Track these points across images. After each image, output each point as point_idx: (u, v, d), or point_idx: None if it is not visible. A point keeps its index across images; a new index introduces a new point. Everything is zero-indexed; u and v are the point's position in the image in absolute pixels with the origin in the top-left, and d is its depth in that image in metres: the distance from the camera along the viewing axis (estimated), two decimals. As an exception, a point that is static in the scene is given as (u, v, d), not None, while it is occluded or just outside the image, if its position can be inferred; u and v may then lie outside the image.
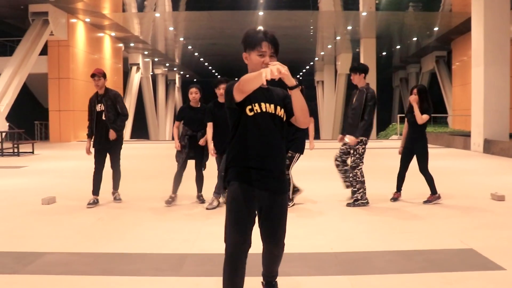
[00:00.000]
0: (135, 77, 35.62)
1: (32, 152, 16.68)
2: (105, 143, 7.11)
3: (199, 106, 7.20)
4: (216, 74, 54.22)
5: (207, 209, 6.86)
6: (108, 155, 7.25)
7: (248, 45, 3.06)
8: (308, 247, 4.95)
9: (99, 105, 7.11)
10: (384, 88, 38.67)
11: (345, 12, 26.43)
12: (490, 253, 4.66)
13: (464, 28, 25.60)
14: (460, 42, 28.82)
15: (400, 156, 7.52)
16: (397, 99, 46.74)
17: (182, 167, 7.15)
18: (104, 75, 7.10)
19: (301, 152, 6.98)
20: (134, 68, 35.63)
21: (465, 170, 11.63)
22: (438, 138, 20.05)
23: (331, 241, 5.18)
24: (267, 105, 3.04)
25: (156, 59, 40.11)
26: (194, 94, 7.14)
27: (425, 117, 7.21)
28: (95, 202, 7.14)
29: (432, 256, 4.62)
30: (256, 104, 3.01)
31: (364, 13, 24.52)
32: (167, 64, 44.15)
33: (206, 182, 7.49)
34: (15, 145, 16.39)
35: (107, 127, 7.06)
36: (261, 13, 24.60)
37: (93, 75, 7.06)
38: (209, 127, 6.88)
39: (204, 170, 7.36)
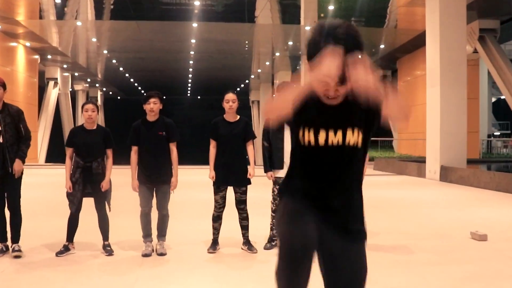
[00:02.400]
0: (52, 93, 34.08)
1: None
2: (2, 173, 5.78)
3: (95, 127, 6.16)
4: (143, 92, 52.70)
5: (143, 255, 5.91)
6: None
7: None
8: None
9: None
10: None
11: (285, 26, 26.13)
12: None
13: (411, 46, 25.85)
14: (406, 61, 29.12)
15: None
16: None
17: (77, 209, 5.99)
18: (3, 85, 5.85)
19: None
20: (51, 83, 34.10)
21: (427, 202, 11.24)
22: (389, 164, 19.80)
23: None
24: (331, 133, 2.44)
25: (76, 74, 38.73)
26: (90, 112, 6.05)
27: None
28: (3, 251, 5.90)
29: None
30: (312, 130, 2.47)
31: (308, 27, 24.29)
32: (89, 80, 42.85)
33: (116, 224, 6.53)
34: None
35: (3, 151, 5.76)
36: (195, 24, 23.91)
37: None
38: (133, 152, 6.05)
39: (109, 211, 6.18)
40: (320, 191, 2.48)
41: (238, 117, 6.30)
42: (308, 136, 2.44)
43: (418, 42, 24.47)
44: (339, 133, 2.41)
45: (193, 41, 27.07)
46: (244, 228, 6.29)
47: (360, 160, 2.53)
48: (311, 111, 2.39)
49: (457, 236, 7.27)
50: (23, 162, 5.92)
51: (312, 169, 2.50)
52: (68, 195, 5.97)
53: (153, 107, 6.01)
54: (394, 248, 6.46)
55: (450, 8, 15.21)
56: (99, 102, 48.42)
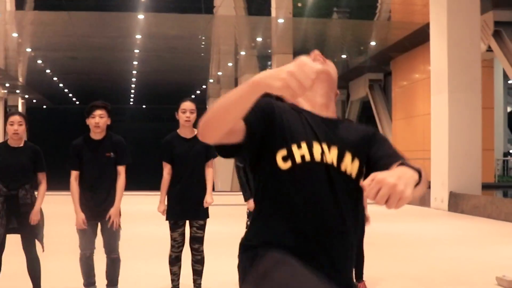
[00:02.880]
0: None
1: None
2: None
3: (21, 145, 5.94)
4: (74, 99, 53.18)
5: None
6: None
7: None
8: None
9: None
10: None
11: (252, 18, 26.11)
12: None
13: (408, 43, 26.03)
14: (402, 61, 29.32)
15: None
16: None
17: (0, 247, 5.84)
18: None
19: None
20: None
21: (437, 239, 11.28)
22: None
23: None
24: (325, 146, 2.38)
25: (-8, 78, 38.36)
26: (16, 126, 5.85)
27: None
28: None
29: None
30: (303, 144, 2.37)
31: (281, 20, 24.30)
32: (7, 85, 42.46)
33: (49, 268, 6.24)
34: None
35: None
36: (141, 16, 23.76)
37: None
38: (74, 179, 5.86)
39: (43, 251, 5.98)
40: (315, 242, 2.32)
41: (196, 131, 6.13)
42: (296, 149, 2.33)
43: (416, 39, 24.67)
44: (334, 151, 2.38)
45: (138, 36, 26.94)
46: (197, 273, 6.24)
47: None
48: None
49: (480, 283, 7.38)
50: None
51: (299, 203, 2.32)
52: None
53: (98, 122, 5.80)
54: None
55: (460, -4, 15.37)
56: (21, 111, 47.95)
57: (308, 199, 2.30)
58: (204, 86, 44.48)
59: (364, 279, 6.64)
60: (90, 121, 5.85)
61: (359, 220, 2.47)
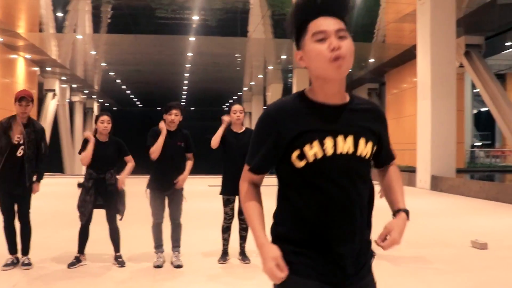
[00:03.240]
0: (51, 104, 33.71)
1: None
2: (15, 187, 5.58)
3: (107, 140, 5.96)
4: (138, 103, 52.82)
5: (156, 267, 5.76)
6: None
7: (298, 30, 1.93)
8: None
9: (18, 135, 5.58)
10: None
11: (277, 40, 26.06)
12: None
13: (399, 60, 25.92)
14: (394, 74, 29.20)
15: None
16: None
17: (88, 220, 5.81)
18: (32, 100, 5.69)
19: None
20: (50, 94, 33.71)
21: (422, 211, 11.08)
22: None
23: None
24: (339, 138, 1.90)
25: (74, 85, 38.30)
26: (106, 124, 5.88)
27: None
28: (14, 263, 5.68)
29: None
30: (314, 143, 1.88)
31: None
32: (86, 91, 42.32)
33: (127, 235, 6.30)
34: None
35: (22, 166, 5.57)
36: (192, 38, 23.78)
37: (21, 99, 5.59)
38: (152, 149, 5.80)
39: (120, 219, 5.99)
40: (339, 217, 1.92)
41: (245, 128, 6.20)
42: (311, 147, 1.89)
43: (406, 57, 24.56)
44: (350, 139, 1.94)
45: (189, 54, 26.93)
46: (242, 238, 6.17)
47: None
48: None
49: (458, 245, 7.20)
50: (40, 179, 5.80)
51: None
52: (79, 207, 5.77)
53: (174, 119, 5.86)
54: (399, 257, 6.35)
55: (440, 24, 15.26)
56: (95, 112, 48.05)
57: (326, 189, 1.88)
58: (239, 93, 44.39)
59: None
60: (167, 117, 5.86)
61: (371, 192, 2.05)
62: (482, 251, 6.80)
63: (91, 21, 23.17)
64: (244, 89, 41.40)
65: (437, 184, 15.24)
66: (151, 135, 5.83)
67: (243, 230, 6.12)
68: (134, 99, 50.53)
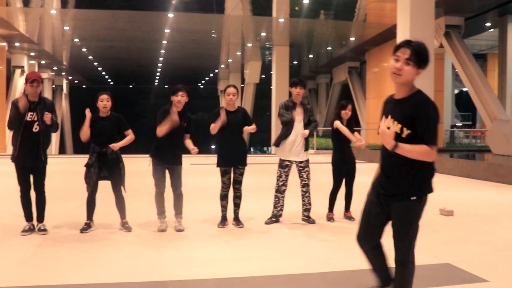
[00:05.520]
0: (19, 82, 33.87)
1: None
2: (32, 160, 6.55)
3: (109, 115, 6.86)
4: (110, 80, 53.15)
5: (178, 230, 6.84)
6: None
7: None
8: (291, 268, 5.15)
9: (31, 113, 6.51)
10: (292, 99, 39.46)
11: (258, 18, 26.76)
12: (467, 267, 5.15)
13: (380, 39, 26.96)
14: (375, 53, 30.26)
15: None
16: (306, 111, 47.90)
17: (94, 190, 6.78)
18: (42, 80, 6.65)
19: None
20: (18, 71, 33.83)
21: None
22: (360, 152, 20.95)
23: (310, 262, 5.41)
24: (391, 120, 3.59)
25: (42, 62, 38.57)
26: (105, 102, 6.75)
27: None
28: (31, 229, 6.71)
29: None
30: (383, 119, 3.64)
31: (281, 20, 25.13)
32: (55, 68, 42.49)
33: (131, 207, 7.19)
34: None
35: (38, 140, 6.55)
36: (171, 15, 24.46)
37: (32, 81, 6.49)
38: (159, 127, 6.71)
39: (125, 192, 6.96)
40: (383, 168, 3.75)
41: (237, 106, 7.24)
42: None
43: (386, 36, 25.55)
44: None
45: (166, 30, 27.46)
46: (236, 205, 7.26)
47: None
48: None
49: (427, 212, 8.30)
50: (53, 124, 6.61)
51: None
52: (85, 177, 6.76)
53: (180, 99, 6.75)
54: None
55: (420, 5, 16.13)
56: (64, 91, 48.26)
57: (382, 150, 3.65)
58: (216, 71, 44.86)
59: (350, 210, 7.85)
60: (174, 98, 6.72)
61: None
62: (449, 217, 8.05)
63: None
64: (221, 66, 41.98)
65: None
66: (160, 114, 6.76)
67: (237, 198, 7.23)
68: (105, 76, 50.79)
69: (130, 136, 6.96)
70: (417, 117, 3.39)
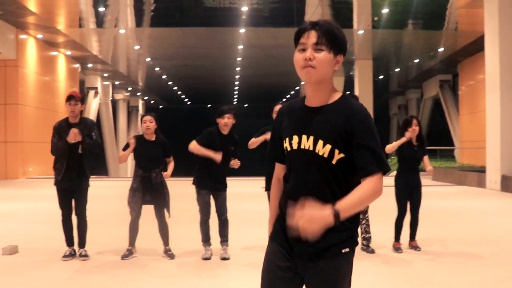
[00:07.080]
0: (93, 103, 35.18)
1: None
2: (76, 183, 6.80)
3: (153, 139, 7.00)
4: (186, 100, 54.21)
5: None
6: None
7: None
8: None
9: (72, 139, 6.64)
10: (380, 116, 38.98)
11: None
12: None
13: (473, 49, 26.11)
14: (468, 64, 29.39)
15: None
16: (395, 129, 46.94)
17: (137, 215, 6.91)
18: (82, 100, 6.87)
19: None
20: (92, 92, 35.19)
21: (484, 211, 11.79)
22: (448, 174, 20.31)
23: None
24: (304, 136, 2.64)
25: (116, 83, 39.88)
26: (148, 123, 6.87)
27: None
28: (71, 254, 6.92)
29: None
30: (286, 139, 2.72)
31: (361, 32, 24.89)
32: (130, 88, 43.83)
33: (175, 233, 7.27)
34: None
35: (81, 162, 6.82)
36: (242, 30, 24.78)
37: (69, 98, 6.73)
38: (194, 143, 6.71)
39: (169, 217, 7.04)
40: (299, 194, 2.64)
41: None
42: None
43: (479, 45, 24.56)
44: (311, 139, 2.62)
45: (240, 47, 27.84)
46: None
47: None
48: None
49: (508, 242, 7.99)
50: (89, 144, 6.79)
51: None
52: (129, 202, 6.92)
53: (227, 122, 6.76)
54: (443, 253, 7.25)
55: (509, 12, 15.63)
56: (141, 111, 49.52)
57: (295, 171, 2.64)
58: (297, 88, 44.80)
59: (416, 239, 7.48)
60: (220, 121, 6.73)
61: (336, 183, 2.59)
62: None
63: (133, 14, 24.39)
64: (302, 83, 41.89)
65: (508, 184, 15.61)
66: (205, 135, 6.77)
67: None
68: (181, 96, 51.73)
69: (173, 163, 7.15)
70: (354, 133, 2.53)
